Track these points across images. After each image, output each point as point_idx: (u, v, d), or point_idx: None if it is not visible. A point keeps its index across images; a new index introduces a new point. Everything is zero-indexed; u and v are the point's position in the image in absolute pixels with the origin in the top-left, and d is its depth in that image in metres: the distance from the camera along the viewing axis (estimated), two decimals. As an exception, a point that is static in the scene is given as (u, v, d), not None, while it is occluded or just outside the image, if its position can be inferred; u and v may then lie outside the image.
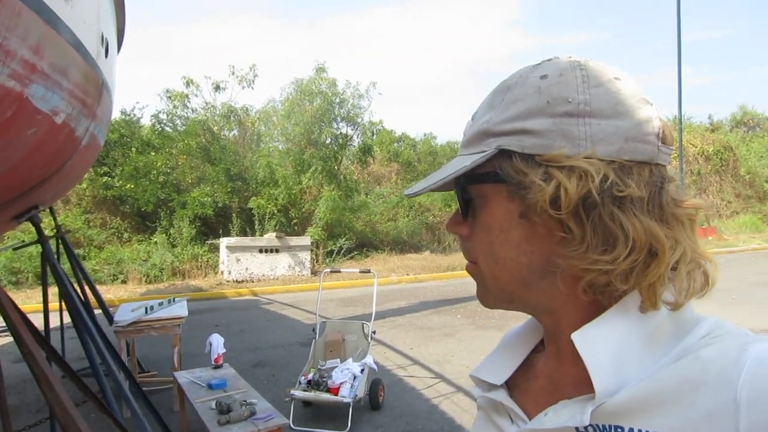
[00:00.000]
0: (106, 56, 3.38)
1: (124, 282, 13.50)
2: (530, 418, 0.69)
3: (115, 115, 17.10)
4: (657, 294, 0.61)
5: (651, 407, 0.57)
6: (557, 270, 0.65)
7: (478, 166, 0.66)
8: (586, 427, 0.61)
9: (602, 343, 0.62)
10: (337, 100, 16.92)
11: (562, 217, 0.61)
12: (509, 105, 0.65)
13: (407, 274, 14.17)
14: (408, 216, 18.91)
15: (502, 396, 0.75)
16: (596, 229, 0.61)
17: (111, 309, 6.51)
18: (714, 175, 25.16)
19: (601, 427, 0.61)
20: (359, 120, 17.41)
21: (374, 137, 18.95)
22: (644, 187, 0.61)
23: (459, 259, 15.80)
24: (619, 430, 0.59)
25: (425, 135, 24.93)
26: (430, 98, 61.46)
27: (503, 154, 0.64)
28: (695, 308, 0.65)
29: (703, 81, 58.44)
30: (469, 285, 13.23)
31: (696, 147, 25.10)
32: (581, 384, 0.63)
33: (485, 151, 0.66)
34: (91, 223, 15.40)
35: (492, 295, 0.72)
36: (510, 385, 0.77)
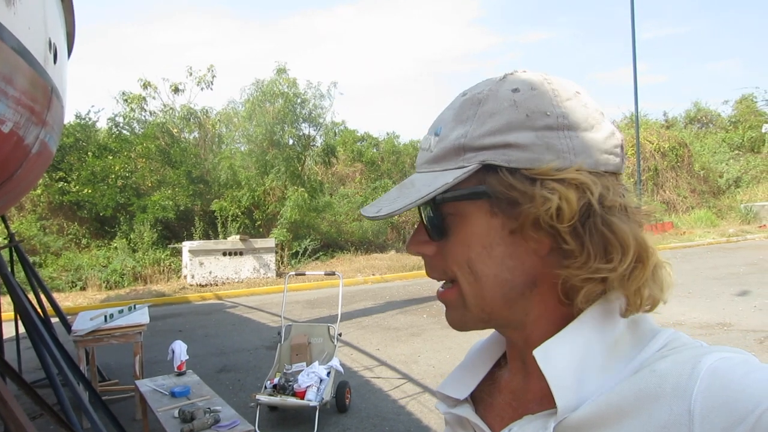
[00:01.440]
0: (55, 62, 3.29)
1: (83, 289, 13.16)
2: None
3: (70, 119, 16.66)
4: (643, 297, 0.64)
5: (611, 421, 0.58)
6: (537, 284, 0.66)
7: (457, 184, 0.64)
8: None
9: (563, 358, 0.63)
10: (299, 101, 16.82)
11: (561, 230, 0.62)
12: (485, 119, 0.64)
13: (373, 274, 14.19)
14: (373, 216, 18.92)
15: (467, 412, 0.75)
16: (593, 238, 0.62)
17: (69, 317, 6.34)
18: (670, 171, 25.86)
19: None
20: (321, 120, 17.34)
21: (337, 137, 18.90)
22: (618, 196, 0.64)
23: (424, 257, 15.87)
24: None
25: (388, 134, 24.95)
26: (391, 98, 61.65)
27: (486, 169, 0.63)
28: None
29: (659, 78, 60.12)
30: (435, 284, 13.34)
31: (652, 144, 25.76)
32: (545, 399, 0.64)
33: (465, 167, 0.64)
34: (47, 230, 14.97)
35: (471, 315, 0.69)
36: (476, 401, 0.77)
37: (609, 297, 0.64)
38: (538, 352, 0.64)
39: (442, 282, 0.71)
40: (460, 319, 0.70)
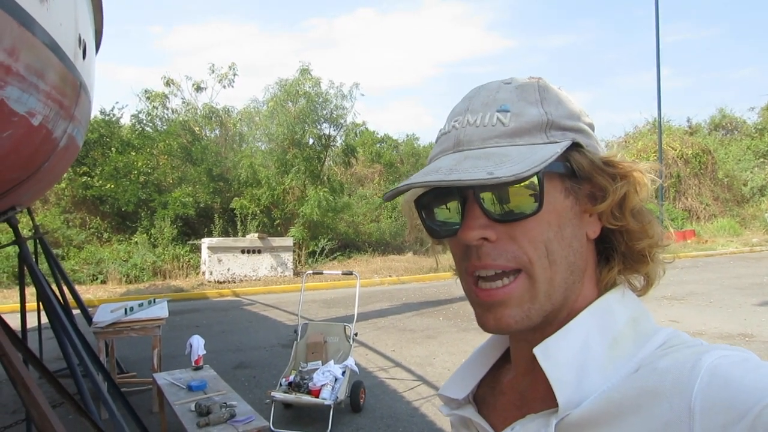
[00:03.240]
0: (84, 57, 3.36)
1: (103, 282, 13.36)
2: None
3: (95, 115, 16.92)
4: (662, 269, 0.71)
5: (613, 418, 0.59)
6: (587, 268, 0.69)
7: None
8: None
9: (563, 356, 0.63)
10: (321, 101, 16.89)
11: (617, 214, 0.67)
12: (556, 103, 0.67)
13: (390, 276, 14.19)
14: (391, 217, 18.94)
15: (470, 412, 0.76)
16: (636, 216, 0.67)
17: (90, 309, 6.45)
18: (693, 178, 25.47)
19: None
20: (342, 121, 17.40)
21: (357, 138, 18.96)
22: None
23: (442, 261, 15.78)
24: None
25: (407, 136, 24.96)
26: (410, 100, 61.55)
27: (570, 148, 0.65)
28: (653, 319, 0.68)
29: (682, 83, 59.35)
30: (452, 287, 13.17)
31: (675, 150, 25.40)
32: (548, 397, 0.64)
33: (557, 142, 0.64)
34: (70, 223, 15.22)
35: (537, 308, 0.65)
36: (479, 402, 0.78)
37: (615, 290, 0.69)
38: (538, 350, 0.65)
39: (478, 279, 0.66)
40: (525, 316, 0.65)
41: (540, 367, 0.64)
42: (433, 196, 0.69)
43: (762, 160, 27.19)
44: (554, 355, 0.64)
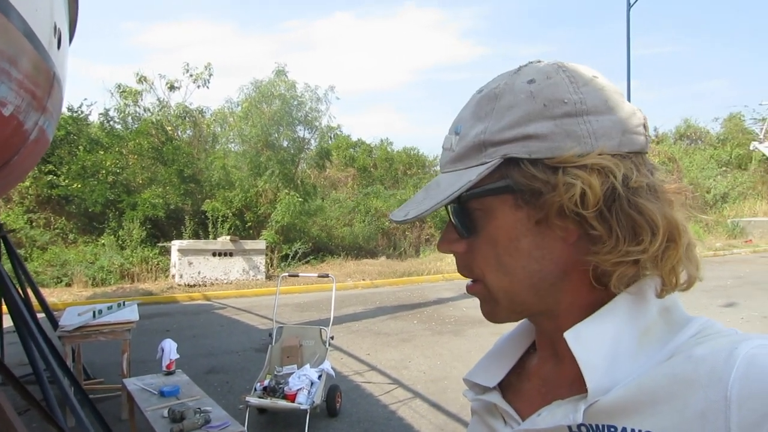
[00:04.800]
0: (59, 47, 3.21)
1: (68, 285, 12.97)
2: (523, 420, 0.69)
3: (63, 110, 16.48)
4: (678, 276, 0.64)
5: (644, 406, 0.57)
6: (568, 272, 0.66)
7: (481, 180, 0.64)
8: (579, 426, 0.62)
9: (595, 341, 0.62)
10: (296, 103, 16.77)
11: (588, 216, 0.61)
12: (503, 113, 0.64)
13: (363, 279, 14.12)
14: (364, 221, 18.87)
15: (495, 398, 0.75)
16: (620, 222, 0.61)
17: (55, 313, 6.23)
18: (660, 186, 26.09)
19: (594, 426, 0.61)
20: (317, 124, 17.30)
21: (331, 141, 18.85)
22: (644, 176, 0.63)
23: (415, 264, 15.86)
24: (612, 429, 0.60)
25: (382, 141, 24.93)
26: (384, 105, 61.61)
27: (508, 162, 0.63)
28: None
29: (650, 95, 60.74)
30: (425, 290, 13.24)
31: (643, 158, 26.01)
32: (575, 383, 0.63)
33: (486, 163, 0.64)
34: (33, 223, 14.75)
35: (502, 309, 0.70)
36: (503, 388, 0.77)
37: (643, 281, 0.64)
38: (569, 334, 0.63)
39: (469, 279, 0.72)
40: (492, 312, 0.71)
41: (567, 352, 0.63)
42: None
43: (724, 168, 28.09)
44: (585, 339, 0.62)
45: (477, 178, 0.64)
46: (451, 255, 0.73)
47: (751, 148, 25.50)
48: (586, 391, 0.61)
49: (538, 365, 0.75)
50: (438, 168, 0.76)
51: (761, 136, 24.57)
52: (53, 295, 11.51)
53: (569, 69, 0.66)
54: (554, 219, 0.63)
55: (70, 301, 10.72)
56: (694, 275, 0.65)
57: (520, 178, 0.63)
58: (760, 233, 22.54)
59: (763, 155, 24.64)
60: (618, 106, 0.64)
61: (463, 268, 0.71)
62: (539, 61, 0.68)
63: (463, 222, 0.68)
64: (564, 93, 0.63)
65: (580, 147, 0.62)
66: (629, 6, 16.94)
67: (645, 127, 0.67)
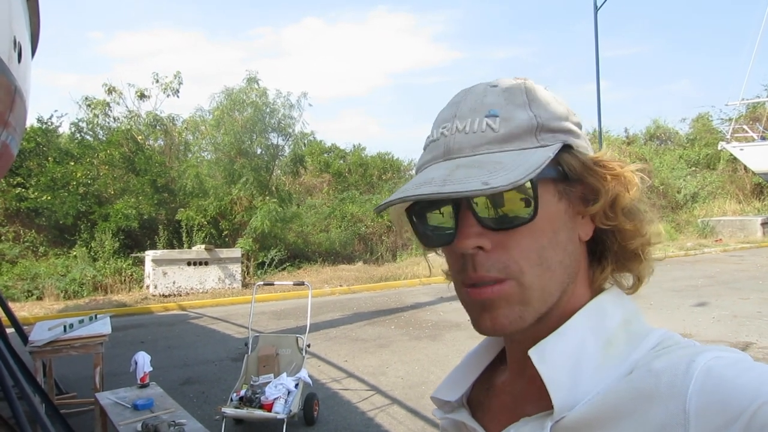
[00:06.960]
0: (20, 61, 3.16)
1: (39, 298, 12.70)
2: None
3: (31, 123, 16.18)
4: (652, 268, 0.71)
5: (608, 421, 0.58)
6: (580, 269, 0.68)
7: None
8: None
9: (558, 357, 0.63)
10: (268, 110, 16.70)
11: (608, 214, 0.67)
12: (544, 105, 0.66)
13: (340, 285, 14.10)
14: (340, 227, 18.85)
15: (464, 416, 0.74)
16: (628, 215, 0.67)
17: (26, 328, 6.10)
18: (631, 186, 26.47)
19: None
20: (290, 130, 17.24)
21: (305, 147, 18.80)
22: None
23: (392, 269, 15.87)
24: None
25: (354, 146, 24.97)
26: (357, 110, 61.57)
27: (561, 150, 0.65)
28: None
29: (620, 95, 61.68)
30: (402, 295, 13.19)
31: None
32: (542, 399, 0.64)
33: (547, 145, 0.63)
34: (2, 237, 14.44)
35: (532, 311, 0.64)
36: (473, 406, 0.77)
37: (606, 293, 0.68)
38: (533, 352, 0.64)
39: (472, 285, 0.64)
40: (518, 317, 0.63)
41: (533, 369, 0.63)
42: (427, 203, 0.67)
43: (694, 168, 28.65)
44: (549, 357, 0.63)
45: (552, 154, 0.61)
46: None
47: (719, 148, 26.10)
48: (551, 407, 0.61)
49: (508, 381, 0.74)
50: (413, 172, 0.76)
51: (728, 137, 25.10)
52: (24, 309, 11.26)
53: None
54: (584, 213, 0.66)
55: (42, 315, 10.51)
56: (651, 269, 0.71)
57: (577, 166, 0.64)
58: (730, 232, 23.02)
59: (731, 155, 25.17)
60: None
61: (490, 267, 0.62)
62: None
63: (503, 209, 0.62)
64: (565, 106, 0.69)
65: (592, 151, 0.68)
66: (596, 8, 17.24)
67: None
